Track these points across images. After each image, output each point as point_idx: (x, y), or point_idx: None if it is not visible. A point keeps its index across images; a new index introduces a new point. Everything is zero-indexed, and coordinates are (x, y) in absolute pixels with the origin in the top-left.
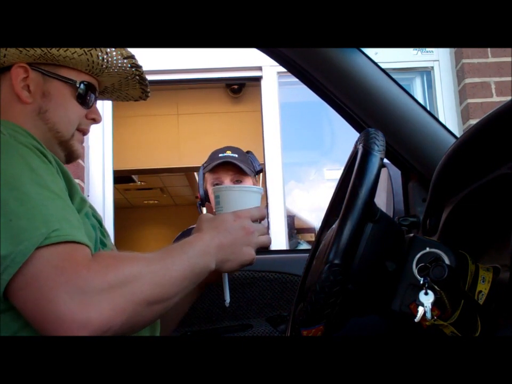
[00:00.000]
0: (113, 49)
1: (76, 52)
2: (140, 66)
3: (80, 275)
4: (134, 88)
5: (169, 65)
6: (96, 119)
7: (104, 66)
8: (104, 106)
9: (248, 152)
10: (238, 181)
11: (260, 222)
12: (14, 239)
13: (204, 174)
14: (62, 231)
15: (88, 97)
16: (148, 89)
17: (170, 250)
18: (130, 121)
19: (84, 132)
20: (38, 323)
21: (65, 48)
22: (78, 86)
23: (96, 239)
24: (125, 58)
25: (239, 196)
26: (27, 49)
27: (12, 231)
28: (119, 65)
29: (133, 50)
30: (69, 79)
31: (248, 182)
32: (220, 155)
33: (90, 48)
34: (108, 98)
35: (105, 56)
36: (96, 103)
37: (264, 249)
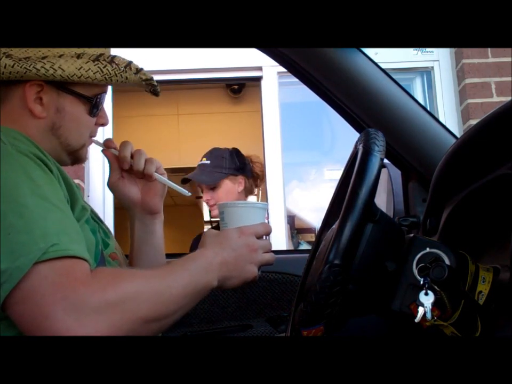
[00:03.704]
0: (123, 67)
1: (96, 78)
2: (153, 81)
3: (78, 292)
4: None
5: (169, 65)
6: (104, 123)
7: (120, 81)
8: (104, 106)
9: (232, 150)
10: (212, 189)
11: (264, 238)
12: (12, 254)
13: None
14: (61, 245)
15: (98, 107)
16: (157, 91)
17: (172, 267)
18: (130, 121)
19: (93, 136)
20: None
21: (83, 73)
22: (92, 102)
23: (97, 243)
24: (136, 73)
25: (244, 212)
26: (47, 70)
27: (10, 245)
28: (133, 81)
29: (133, 50)
30: (84, 95)
31: (224, 187)
32: (197, 165)
33: (106, 72)
34: None
35: (121, 76)
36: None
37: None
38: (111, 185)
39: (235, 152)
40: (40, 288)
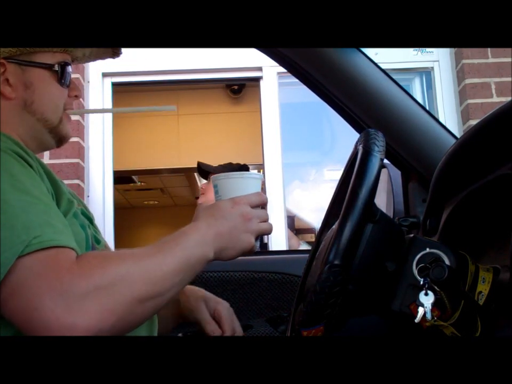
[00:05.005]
0: None
1: None
2: None
3: (64, 280)
4: (105, 53)
5: (169, 66)
6: (78, 95)
7: None
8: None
9: (241, 164)
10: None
11: (261, 208)
12: None
13: None
14: (44, 236)
15: (66, 76)
16: (120, 50)
17: (163, 243)
18: (130, 121)
19: (69, 109)
20: (27, 331)
21: None
22: (56, 69)
23: (87, 238)
24: None
25: (237, 183)
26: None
27: None
28: None
29: (134, 50)
30: (47, 64)
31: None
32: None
33: None
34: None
35: None
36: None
37: (263, 246)
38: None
39: (242, 165)
40: (26, 281)
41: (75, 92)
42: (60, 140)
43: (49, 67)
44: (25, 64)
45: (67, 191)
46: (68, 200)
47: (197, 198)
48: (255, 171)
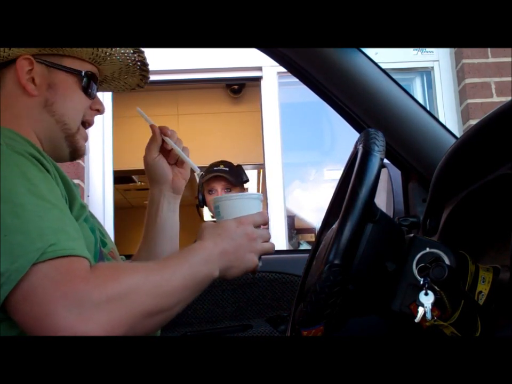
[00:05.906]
0: None
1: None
2: (142, 52)
3: (78, 288)
4: (133, 75)
5: (169, 65)
6: (100, 110)
7: (108, 53)
8: (99, 96)
9: (238, 165)
10: (228, 189)
11: (262, 228)
12: (9, 256)
13: (202, 183)
14: (59, 245)
15: (92, 87)
16: (148, 76)
17: (171, 259)
18: (130, 121)
19: (89, 123)
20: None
21: None
22: (82, 76)
23: (96, 241)
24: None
25: (239, 204)
26: None
27: (8, 247)
28: (122, 51)
29: None
30: (74, 69)
31: (235, 191)
32: (215, 168)
33: None
34: (105, 89)
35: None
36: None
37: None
38: (152, 160)
39: (242, 169)
40: (40, 286)
41: (98, 105)
42: (74, 151)
43: (75, 73)
44: (52, 66)
45: (79, 195)
46: (80, 205)
47: (196, 197)
48: (255, 171)
